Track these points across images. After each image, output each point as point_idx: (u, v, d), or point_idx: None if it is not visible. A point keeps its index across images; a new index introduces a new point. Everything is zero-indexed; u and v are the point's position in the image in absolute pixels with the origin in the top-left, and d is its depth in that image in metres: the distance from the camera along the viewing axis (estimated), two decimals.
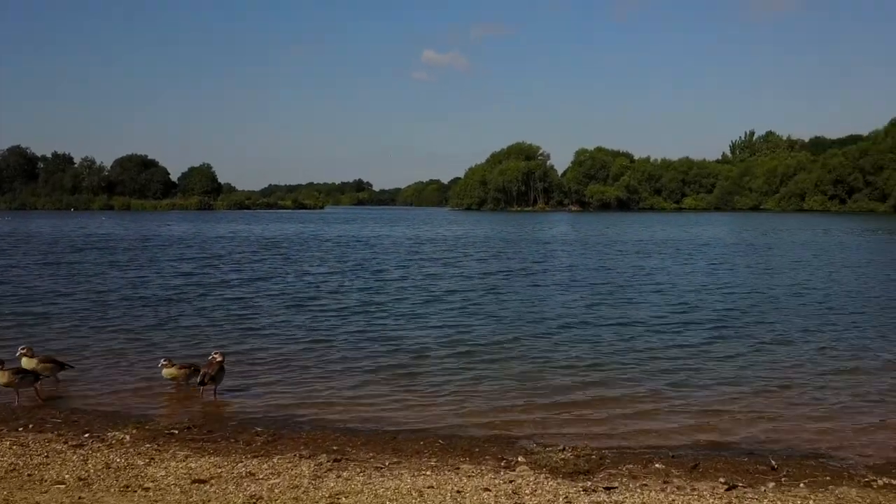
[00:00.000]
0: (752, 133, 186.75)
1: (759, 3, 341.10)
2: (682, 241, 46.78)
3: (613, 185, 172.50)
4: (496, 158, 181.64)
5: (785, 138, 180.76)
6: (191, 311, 16.49)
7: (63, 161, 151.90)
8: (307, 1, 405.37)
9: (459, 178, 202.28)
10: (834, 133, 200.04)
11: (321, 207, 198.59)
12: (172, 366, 9.44)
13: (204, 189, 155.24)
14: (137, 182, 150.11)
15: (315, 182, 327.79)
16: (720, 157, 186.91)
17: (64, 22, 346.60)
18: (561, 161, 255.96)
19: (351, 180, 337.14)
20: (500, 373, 10.67)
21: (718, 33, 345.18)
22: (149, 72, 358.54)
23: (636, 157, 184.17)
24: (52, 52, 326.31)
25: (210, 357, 9.46)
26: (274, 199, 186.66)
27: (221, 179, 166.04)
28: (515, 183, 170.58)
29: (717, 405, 9.00)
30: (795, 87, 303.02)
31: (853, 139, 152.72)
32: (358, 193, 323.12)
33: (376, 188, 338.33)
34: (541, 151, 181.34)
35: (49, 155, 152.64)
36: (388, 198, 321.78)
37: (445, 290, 20.81)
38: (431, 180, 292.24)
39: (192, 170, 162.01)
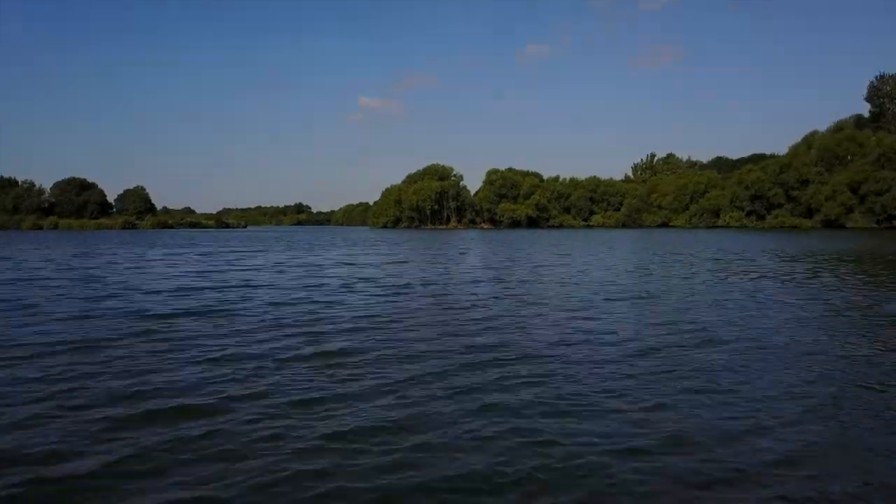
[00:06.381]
0: (654, 155, 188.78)
1: (644, 59, 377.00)
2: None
3: (524, 203, 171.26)
4: (412, 179, 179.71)
5: (685, 160, 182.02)
6: None
7: (7, 184, 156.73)
8: (264, 52, 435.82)
9: None
10: (734, 154, 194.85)
11: (244, 227, 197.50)
12: None
13: (137, 209, 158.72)
14: (75, 203, 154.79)
15: (263, 205, 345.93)
16: (623, 178, 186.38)
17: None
18: (474, 182, 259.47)
19: (293, 203, 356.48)
20: None
21: (614, 75, 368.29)
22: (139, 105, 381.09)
23: (545, 176, 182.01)
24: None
25: None
26: (197, 218, 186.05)
27: (179, 203, 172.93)
28: (429, 202, 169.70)
29: None
30: (691, 113, 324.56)
31: (757, 157, 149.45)
32: (298, 215, 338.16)
33: (314, 210, 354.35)
34: (454, 172, 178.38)
35: None
36: (324, 218, 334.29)
37: None
38: (360, 202, 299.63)
39: (126, 192, 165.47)
